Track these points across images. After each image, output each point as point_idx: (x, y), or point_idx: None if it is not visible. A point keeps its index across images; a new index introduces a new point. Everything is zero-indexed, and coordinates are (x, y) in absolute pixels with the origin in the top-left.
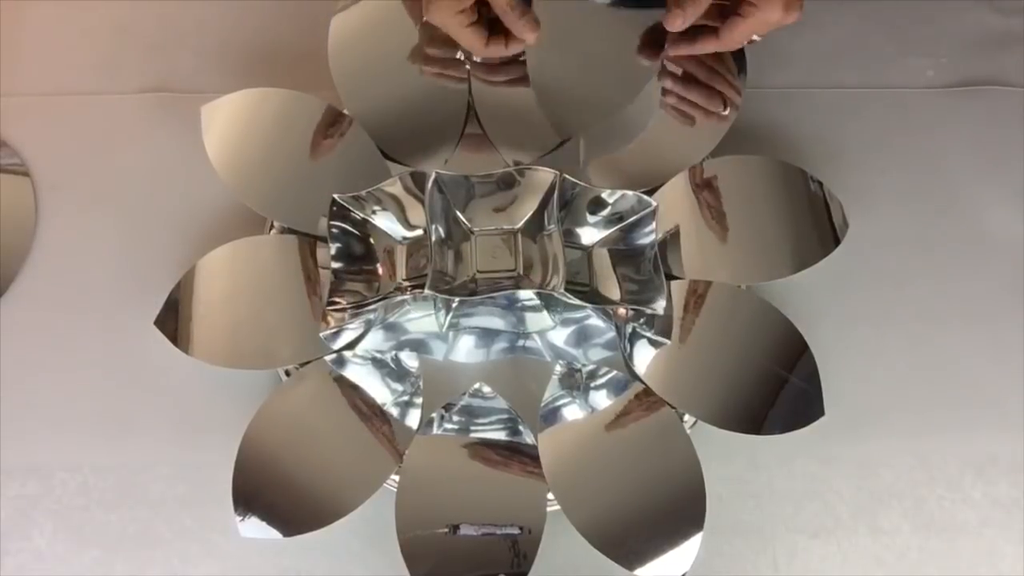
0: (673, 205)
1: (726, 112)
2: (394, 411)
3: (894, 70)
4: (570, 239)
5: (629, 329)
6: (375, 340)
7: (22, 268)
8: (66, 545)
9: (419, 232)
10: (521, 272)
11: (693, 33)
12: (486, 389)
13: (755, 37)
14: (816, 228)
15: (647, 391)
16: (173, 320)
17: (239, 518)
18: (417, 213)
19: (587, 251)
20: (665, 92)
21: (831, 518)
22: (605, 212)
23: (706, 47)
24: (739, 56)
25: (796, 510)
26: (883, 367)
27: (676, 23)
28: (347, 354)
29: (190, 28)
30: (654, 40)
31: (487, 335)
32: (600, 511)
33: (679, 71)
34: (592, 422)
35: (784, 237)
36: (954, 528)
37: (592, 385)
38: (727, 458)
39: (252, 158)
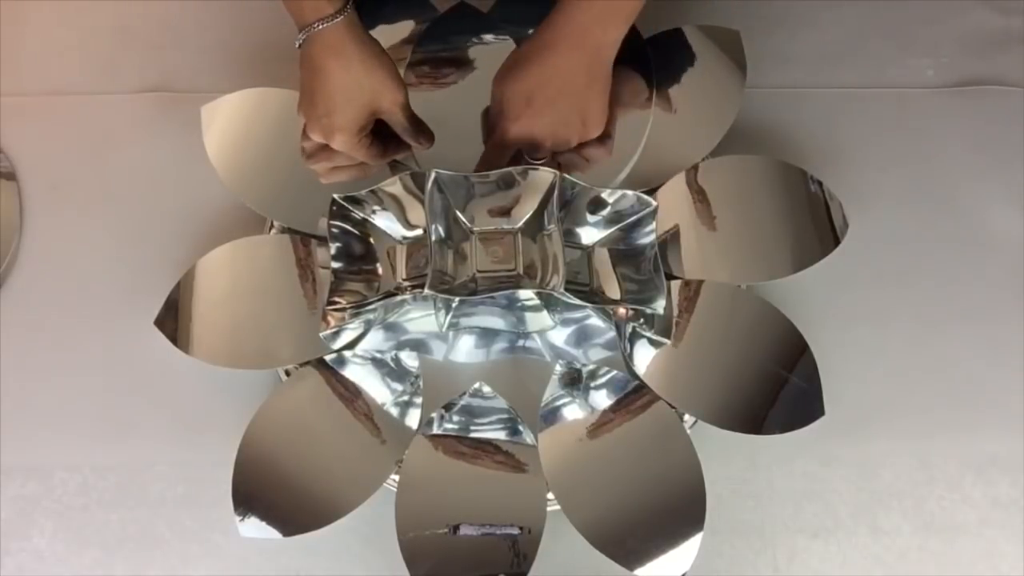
0: (673, 205)
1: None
2: (394, 411)
3: (894, 70)
4: (570, 239)
5: (629, 329)
6: (375, 340)
7: (15, 267)
8: (66, 545)
9: (419, 232)
10: (521, 272)
11: None
12: (486, 389)
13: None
14: (816, 228)
15: (647, 391)
16: (173, 320)
17: (239, 518)
18: (417, 213)
19: (587, 251)
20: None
21: (831, 518)
22: (605, 212)
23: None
24: (738, 55)
25: (796, 510)
26: (883, 367)
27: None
28: (347, 354)
29: (190, 28)
30: None
31: (487, 335)
32: (600, 511)
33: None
34: (592, 422)
35: (784, 237)
36: (954, 528)
37: (592, 385)
38: (727, 458)
39: (252, 158)
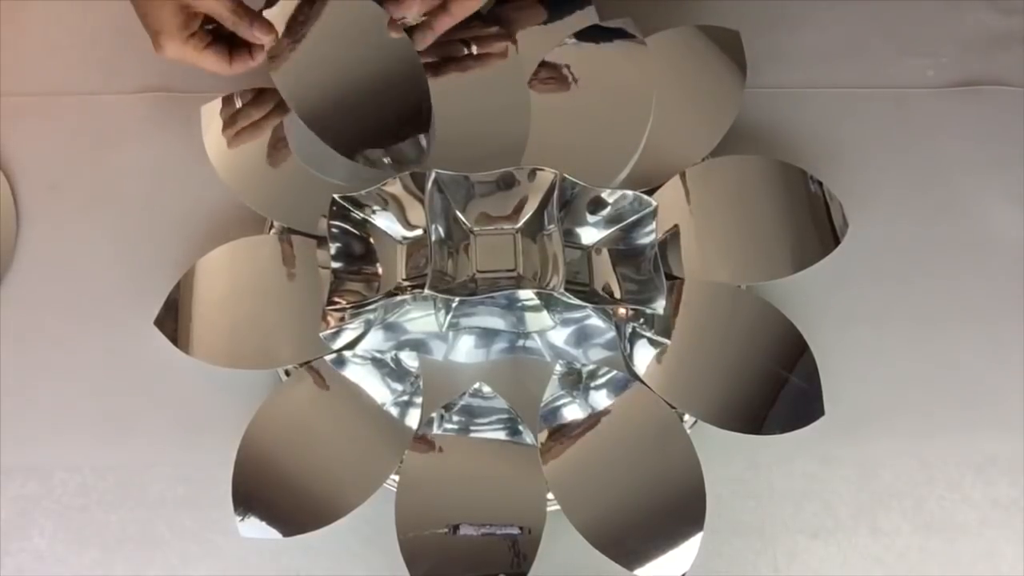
0: (673, 205)
1: (475, 50)
2: (394, 411)
3: (894, 70)
4: (570, 239)
5: (629, 329)
6: (375, 340)
7: (14, 268)
8: (66, 545)
9: (419, 232)
10: (521, 272)
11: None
12: (486, 389)
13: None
14: (816, 228)
15: (647, 391)
16: (173, 320)
17: (239, 518)
18: (417, 213)
19: (587, 251)
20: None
21: (831, 518)
22: (605, 212)
23: (444, 25)
24: (738, 55)
25: (796, 510)
26: (883, 367)
27: (414, 9)
28: (347, 354)
29: None
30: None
31: (487, 335)
32: (600, 511)
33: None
34: (592, 422)
35: (784, 237)
36: (954, 528)
37: (592, 385)
38: (727, 458)
39: (252, 158)
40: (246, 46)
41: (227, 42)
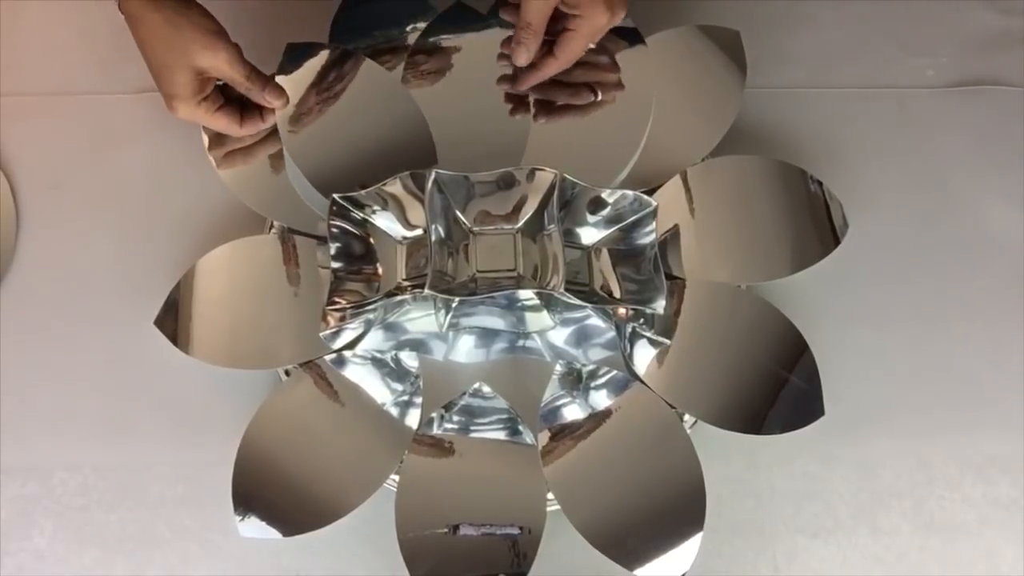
0: (673, 205)
1: (599, 97)
2: (394, 411)
3: (894, 70)
4: (570, 239)
5: (629, 329)
6: (375, 340)
7: (14, 268)
8: (66, 545)
9: (419, 232)
10: (521, 272)
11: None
12: (486, 389)
13: (589, 45)
14: (816, 228)
15: (647, 391)
16: (173, 320)
17: (239, 518)
18: (417, 213)
19: (587, 251)
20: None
21: (831, 518)
22: (605, 212)
23: (549, 71)
24: (738, 55)
25: (796, 510)
26: (883, 367)
27: (522, 58)
28: (347, 354)
29: None
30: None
31: (487, 335)
32: (600, 511)
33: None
34: (592, 422)
35: (784, 237)
36: (954, 528)
37: (592, 385)
38: (727, 458)
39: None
40: (257, 107)
41: (238, 103)
